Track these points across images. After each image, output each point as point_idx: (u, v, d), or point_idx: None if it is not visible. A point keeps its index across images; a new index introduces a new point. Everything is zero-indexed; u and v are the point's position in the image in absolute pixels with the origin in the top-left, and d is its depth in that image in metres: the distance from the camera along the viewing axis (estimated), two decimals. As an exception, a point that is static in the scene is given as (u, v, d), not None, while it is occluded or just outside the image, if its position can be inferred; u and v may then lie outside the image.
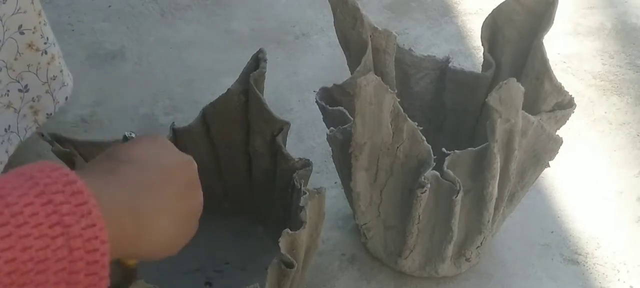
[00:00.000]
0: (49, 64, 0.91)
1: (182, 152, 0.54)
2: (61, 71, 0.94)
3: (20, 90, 0.89)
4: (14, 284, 0.37)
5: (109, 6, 1.36)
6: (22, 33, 0.86)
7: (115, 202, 0.44)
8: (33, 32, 0.87)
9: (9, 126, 0.89)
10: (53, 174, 0.40)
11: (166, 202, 0.49)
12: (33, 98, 0.91)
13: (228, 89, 0.82)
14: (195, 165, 0.54)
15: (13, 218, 0.37)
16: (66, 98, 0.97)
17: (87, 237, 0.39)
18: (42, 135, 0.77)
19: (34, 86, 0.90)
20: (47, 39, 0.90)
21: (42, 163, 0.41)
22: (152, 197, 0.48)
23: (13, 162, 0.89)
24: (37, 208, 0.38)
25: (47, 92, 0.93)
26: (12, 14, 0.84)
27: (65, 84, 0.96)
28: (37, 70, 0.90)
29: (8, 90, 0.88)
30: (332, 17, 0.85)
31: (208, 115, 0.83)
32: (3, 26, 0.83)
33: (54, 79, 0.93)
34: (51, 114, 0.95)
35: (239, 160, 0.86)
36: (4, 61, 0.85)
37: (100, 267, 0.40)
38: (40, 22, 0.88)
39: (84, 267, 0.39)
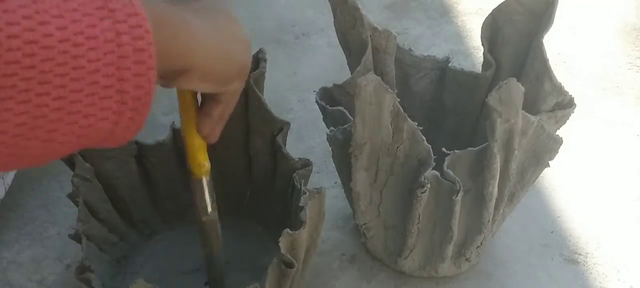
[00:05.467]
0: None
1: None
2: None
3: None
4: (67, 53, 0.37)
5: (109, 6, 1.36)
6: None
7: (158, 8, 0.44)
8: None
9: None
10: None
11: (210, 20, 0.50)
12: None
13: (228, 89, 0.82)
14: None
15: None
16: None
17: (131, 23, 0.39)
18: (42, 135, 0.77)
19: None
20: None
21: None
22: (195, 13, 0.49)
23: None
24: None
25: None
26: None
27: None
28: None
29: None
30: (332, 17, 0.85)
31: (208, 115, 0.83)
32: None
33: None
34: None
35: (239, 160, 0.86)
36: None
37: (147, 56, 0.40)
38: None
39: (132, 53, 0.39)
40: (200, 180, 0.64)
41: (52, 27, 0.36)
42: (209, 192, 0.65)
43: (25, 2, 0.36)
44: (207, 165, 0.63)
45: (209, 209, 0.66)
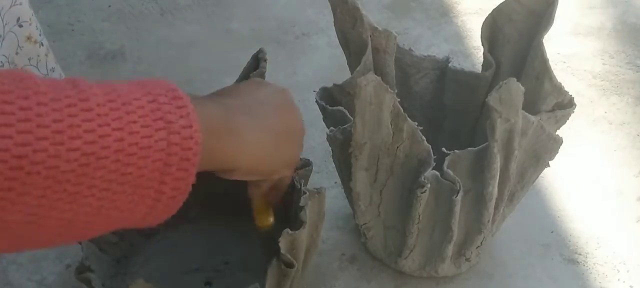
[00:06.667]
0: (46, 55, 0.91)
1: (276, 84, 0.60)
2: (56, 62, 0.94)
3: None
4: (119, 162, 0.41)
5: (109, 6, 1.36)
6: (20, 26, 0.85)
7: (211, 117, 0.49)
8: (29, 24, 0.86)
9: None
10: (159, 83, 0.45)
11: (260, 120, 0.54)
12: None
13: (228, 89, 0.82)
14: (289, 92, 0.60)
15: (124, 107, 0.42)
16: None
17: (184, 135, 0.44)
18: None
19: None
20: (41, 31, 0.90)
21: (152, 78, 0.46)
22: (247, 115, 0.53)
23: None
24: (143, 103, 0.43)
25: None
26: (10, 7, 0.83)
27: (62, 76, 0.95)
28: (37, 63, 0.89)
29: None
30: (332, 17, 0.85)
31: (208, 115, 0.83)
32: (2, 20, 0.83)
33: (53, 71, 0.92)
34: None
35: (239, 160, 0.86)
36: (5, 56, 0.85)
37: (190, 164, 0.44)
38: (32, 14, 0.88)
39: (177, 162, 0.44)
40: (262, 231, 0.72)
41: (110, 140, 0.41)
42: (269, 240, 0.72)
43: (90, 116, 0.40)
44: (268, 223, 0.71)
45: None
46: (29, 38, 0.87)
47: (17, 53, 0.86)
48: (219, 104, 0.51)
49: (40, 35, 0.89)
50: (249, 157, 0.53)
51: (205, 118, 0.47)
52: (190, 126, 0.44)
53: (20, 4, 0.84)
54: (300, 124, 0.60)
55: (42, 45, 0.90)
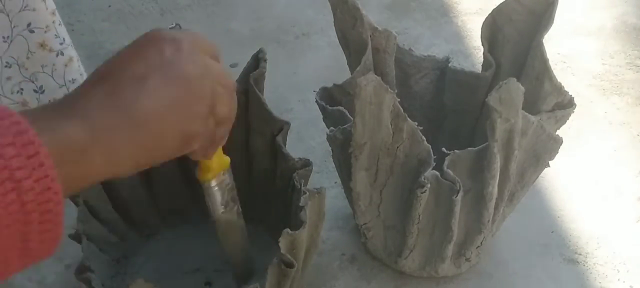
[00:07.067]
0: (66, 66, 0.90)
1: (177, 35, 0.52)
2: (81, 74, 0.93)
3: (35, 91, 0.88)
4: None
5: (109, 6, 1.36)
6: (31, 31, 0.85)
7: (71, 142, 0.43)
8: (45, 31, 0.86)
9: None
10: (3, 123, 0.39)
11: (138, 110, 0.47)
12: (50, 100, 0.90)
13: (228, 89, 0.81)
14: (196, 39, 0.52)
15: None
16: None
17: (39, 189, 0.39)
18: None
19: (50, 88, 0.89)
20: (64, 40, 0.89)
21: None
22: (117, 111, 0.46)
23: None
24: None
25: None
26: (20, 11, 0.83)
27: None
28: (52, 71, 0.88)
29: (22, 88, 0.87)
30: (332, 17, 0.85)
31: (208, 115, 0.82)
32: (11, 22, 0.82)
33: (73, 82, 0.91)
34: None
35: (239, 160, 0.86)
36: (14, 58, 0.85)
37: (54, 215, 0.40)
38: (53, 22, 0.87)
39: (38, 217, 0.39)
40: (205, 185, 0.67)
41: None
42: (221, 193, 0.68)
43: None
44: (211, 173, 0.66)
45: (218, 211, 0.70)
46: (42, 45, 0.86)
47: (27, 58, 0.86)
48: (80, 118, 0.44)
49: (61, 44, 0.88)
50: (127, 163, 0.47)
51: (63, 148, 0.41)
52: (46, 176, 0.39)
53: (34, 9, 0.84)
54: (208, 80, 0.51)
55: (62, 55, 0.88)
